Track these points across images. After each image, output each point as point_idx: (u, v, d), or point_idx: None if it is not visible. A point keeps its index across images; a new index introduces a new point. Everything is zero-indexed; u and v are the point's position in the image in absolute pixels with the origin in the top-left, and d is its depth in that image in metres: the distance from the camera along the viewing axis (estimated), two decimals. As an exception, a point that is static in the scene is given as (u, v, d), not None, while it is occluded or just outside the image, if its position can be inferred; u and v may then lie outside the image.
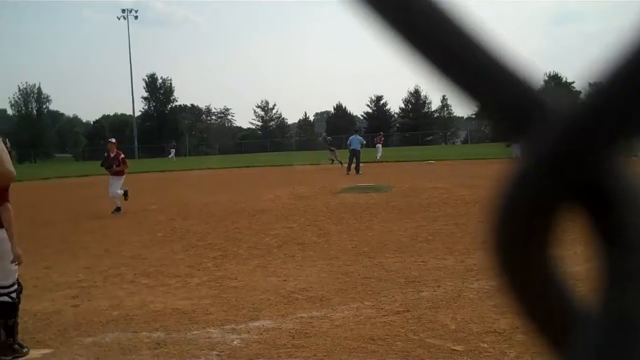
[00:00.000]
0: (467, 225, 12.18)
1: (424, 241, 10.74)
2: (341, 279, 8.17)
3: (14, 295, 5.64)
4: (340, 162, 34.00)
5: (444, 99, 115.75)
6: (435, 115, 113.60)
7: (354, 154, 29.60)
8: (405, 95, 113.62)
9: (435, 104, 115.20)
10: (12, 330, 5.66)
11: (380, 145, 45.84)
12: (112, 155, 17.45)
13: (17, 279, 5.74)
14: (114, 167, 17.14)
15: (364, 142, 30.54)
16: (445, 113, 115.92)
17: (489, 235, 0.40)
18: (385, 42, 0.38)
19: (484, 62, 0.38)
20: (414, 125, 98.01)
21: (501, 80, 0.39)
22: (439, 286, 7.57)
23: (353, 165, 29.44)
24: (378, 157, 42.49)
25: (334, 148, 37.63)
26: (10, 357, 5.64)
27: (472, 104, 0.39)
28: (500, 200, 0.39)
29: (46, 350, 5.83)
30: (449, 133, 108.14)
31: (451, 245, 10.15)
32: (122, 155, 17.62)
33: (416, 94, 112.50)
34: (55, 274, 6.34)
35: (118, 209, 17.26)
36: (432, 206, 15.35)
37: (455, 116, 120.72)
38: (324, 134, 42.34)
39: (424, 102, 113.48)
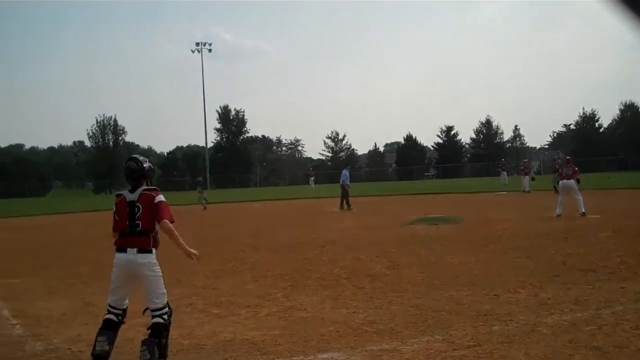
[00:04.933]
0: (540, 258, 11.91)
1: (496, 274, 10.54)
2: (411, 312, 8.08)
3: (165, 317, 6.16)
4: (205, 204, 34.21)
5: (516, 128, 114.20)
6: (507, 146, 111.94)
7: (344, 188, 29.07)
8: (476, 125, 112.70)
9: (507, 133, 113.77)
10: (164, 350, 6.09)
11: (504, 171, 46.35)
12: None
13: (167, 303, 6.24)
14: None
15: (348, 179, 29.44)
16: (518, 143, 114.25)
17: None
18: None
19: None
20: (485, 156, 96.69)
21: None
22: (511, 320, 7.40)
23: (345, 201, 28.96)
24: (506, 183, 43.01)
25: (202, 189, 37.63)
26: None
27: None
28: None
29: (119, 378, 5.93)
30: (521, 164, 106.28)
31: (524, 278, 9.94)
32: None
33: (488, 124, 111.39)
34: (129, 303, 6.48)
35: None
36: (503, 238, 15.08)
37: (528, 146, 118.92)
38: (200, 178, 41.54)
39: (496, 132, 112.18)
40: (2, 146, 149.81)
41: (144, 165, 6.43)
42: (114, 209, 6.34)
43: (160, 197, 6.26)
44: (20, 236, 24.00)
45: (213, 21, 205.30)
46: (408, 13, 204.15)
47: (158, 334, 6.05)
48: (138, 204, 6.17)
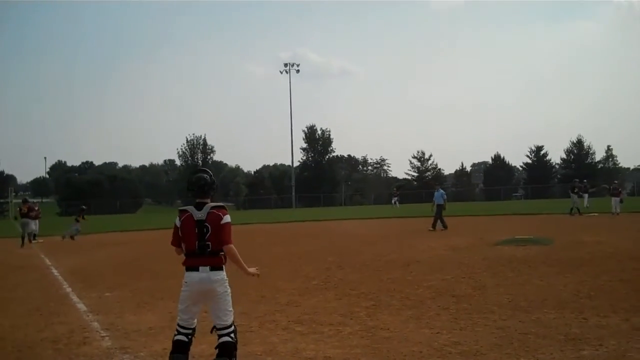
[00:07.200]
0: (633, 282, 11.46)
1: (586, 297, 10.19)
2: (496, 334, 7.89)
3: (233, 335, 5.96)
4: (72, 237, 32.11)
5: (608, 149, 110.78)
6: (599, 167, 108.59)
7: (439, 208, 28.74)
8: (567, 145, 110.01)
9: (599, 154, 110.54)
10: None
11: (585, 194, 45.20)
12: None
13: (233, 321, 6.04)
14: None
15: (445, 196, 29.32)
16: (610, 164, 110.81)
17: None
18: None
19: None
20: (576, 177, 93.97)
21: None
22: (601, 345, 7.12)
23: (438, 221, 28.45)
24: (586, 205, 41.75)
25: (79, 219, 33.94)
26: None
27: None
28: None
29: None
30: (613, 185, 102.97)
31: (615, 302, 9.56)
32: None
33: (579, 144, 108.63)
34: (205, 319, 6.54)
35: None
36: (595, 261, 14.58)
37: (621, 167, 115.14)
38: (83, 207, 35.78)
39: (587, 152, 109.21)
40: (97, 164, 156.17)
41: (214, 179, 6.20)
42: (178, 224, 6.04)
43: (227, 218, 5.94)
44: (112, 251, 24.78)
45: (299, 42, 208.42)
46: (497, 34, 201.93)
47: (228, 354, 5.84)
48: (207, 224, 5.87)
